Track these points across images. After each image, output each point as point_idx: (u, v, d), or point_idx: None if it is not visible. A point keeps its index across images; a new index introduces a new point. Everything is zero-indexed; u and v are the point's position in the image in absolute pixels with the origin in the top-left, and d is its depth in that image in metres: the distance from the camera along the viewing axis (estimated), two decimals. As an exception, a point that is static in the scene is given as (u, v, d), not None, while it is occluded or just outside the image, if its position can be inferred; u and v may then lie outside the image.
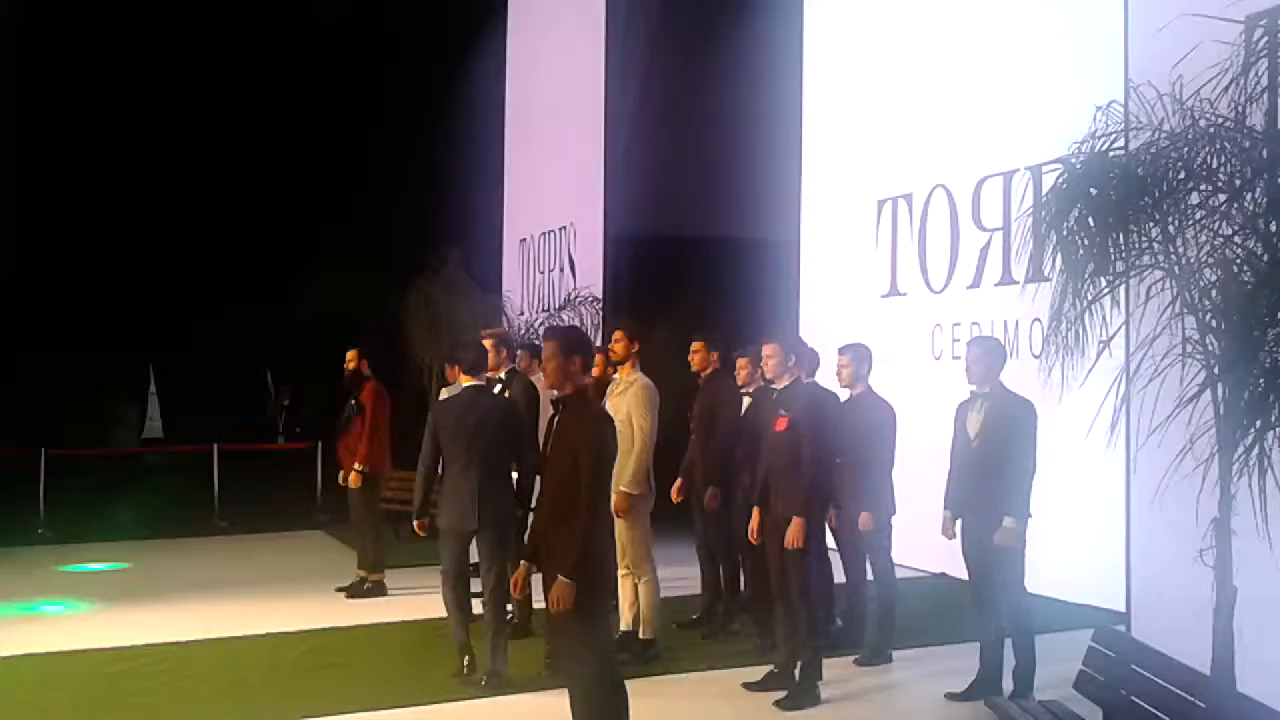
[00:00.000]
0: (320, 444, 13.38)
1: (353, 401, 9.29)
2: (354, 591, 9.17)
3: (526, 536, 5.80)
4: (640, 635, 6.98)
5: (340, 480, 9.33)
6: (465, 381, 6.86)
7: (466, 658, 6.64)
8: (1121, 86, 6.28)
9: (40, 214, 17.03)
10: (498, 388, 7.66)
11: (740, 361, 7.84)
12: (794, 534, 6.07)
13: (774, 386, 6.54)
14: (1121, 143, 5.41)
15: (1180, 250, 5.16)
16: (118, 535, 12.06)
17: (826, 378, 7.39)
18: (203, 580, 9.93)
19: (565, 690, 4.87)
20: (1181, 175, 5.08)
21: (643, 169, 13.23)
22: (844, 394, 7.23)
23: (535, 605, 6.77)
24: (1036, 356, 7.92)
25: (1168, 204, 5.13)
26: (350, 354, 9.43)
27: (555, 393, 5.01)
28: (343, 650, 7.51)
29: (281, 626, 8.04)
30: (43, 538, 12.01)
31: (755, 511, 6.45)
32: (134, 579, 9.99)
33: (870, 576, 7.26)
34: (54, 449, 12.91)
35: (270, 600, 9.03)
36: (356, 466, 9.09)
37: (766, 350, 6.47)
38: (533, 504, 7.45)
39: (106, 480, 14.56)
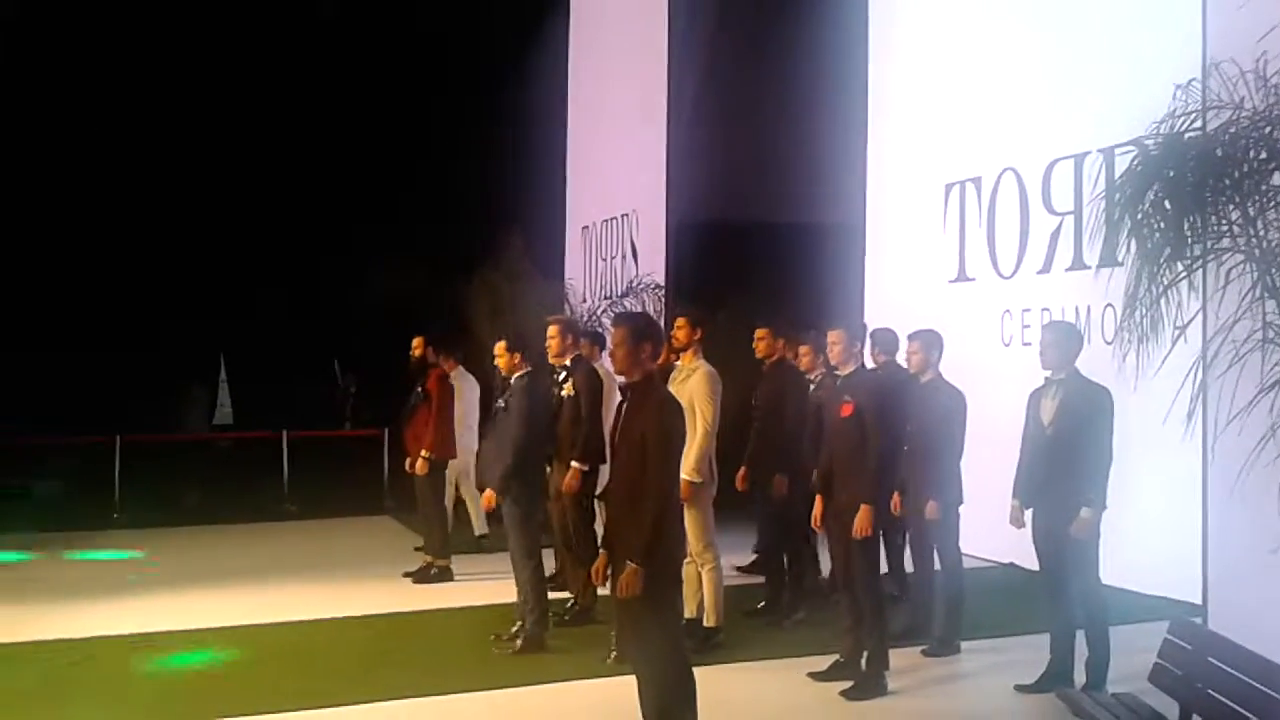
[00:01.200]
0: (387, 431, 13.53)
1: (419, 389, 9.36)
2: (421, 577, 9.25)
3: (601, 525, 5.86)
4: (704, 623, 6.96)
5: (407, 467, 9.41)
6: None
7: (518, 625, 6.95)
8: (1199, 64, 6.11)
9: (114, 206, 17.37)
10: (562, 375, 7.68)
11: (803, 349, 7.82)
12: (862, 522, 6.01)
13: (838, 373, 6.48)
14: (1199, 123, 5.28)
15: (1261, 233, 5.02)
16: (189, 520, 12.29)
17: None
18: (271, 564, 10.09)
19: (633, 676, 4.88)
20: (1263, 155, 4.94)
21: (706, 154, 13.15)
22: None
23: (601, 592, 6.81)
24: (1109, 343, 7.75)
25: (1248, 185, 4.99)
26: (416, 341, 9.51)
27: (623, 379, 5.01)
28: (409, 635, 7.59)
29: (349, 611, 8.14)
30: (118, 522, 12.27)
31: (818, 499, 6.40)
32: (205, 562, 10.17)
33: (938, 566, 7.17)
34: (129, 435, 13.18)
35: (338, 585, 9.14)
36: (423, 454, 9.16)
37: (831, 336, 6.41)
38: (598, 491, 7.58)
39: (179, 466, 14.83)
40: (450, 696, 6.23)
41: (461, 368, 9.69)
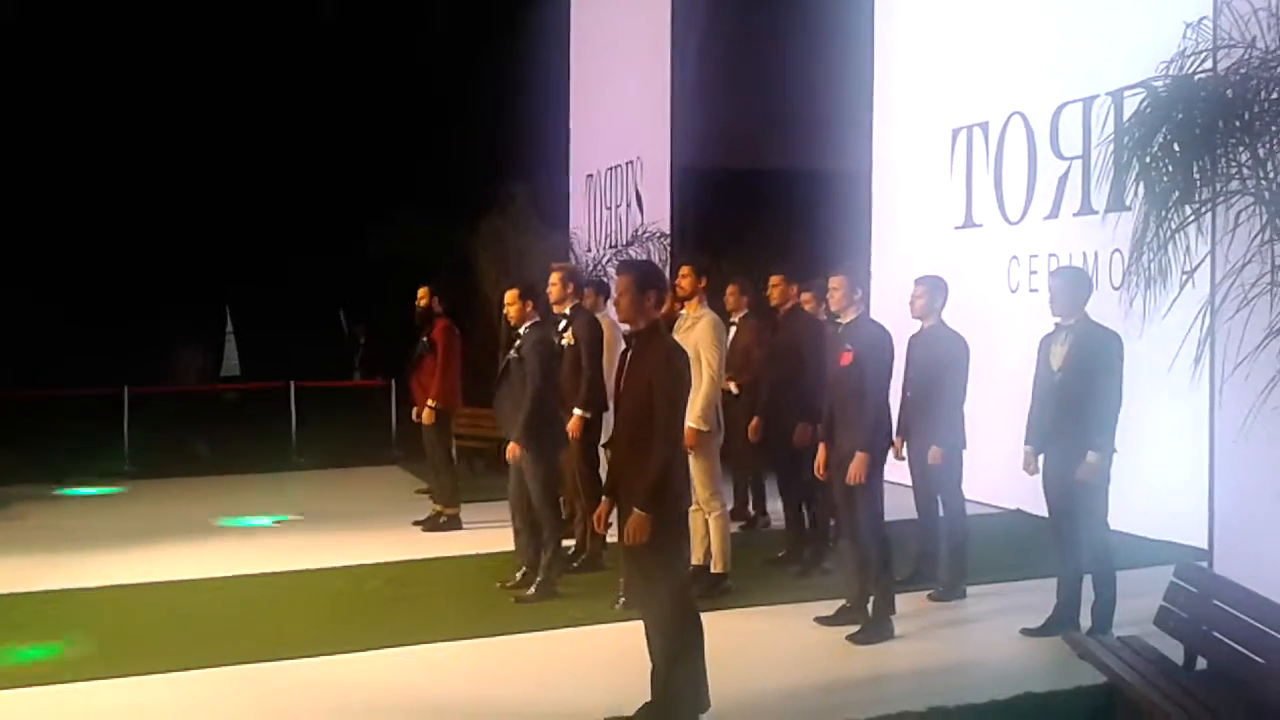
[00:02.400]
0: (394, 381, 13.57)
1: (425, 339, 9.36)
2: (430, 525, 9.31)
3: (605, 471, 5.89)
4: (712, 569, 7.00)
5: (414, 416, 9.43)
6: None
7: (522, 571, 7.12)
8: (1210, 3, 6.04)
9: (120, 161, 17.31)
10: (563, 324, 7.68)
11: (804, 296, 7.81)
12: (856, 469, 6.04)
13: (839, 320, 6.47)
14: (1209, 63, 5.21)
15: (1271, 175, 4.98)
16: (198, 471, 12.36)
17: (900, 309, 7.30)
18: (281, 514, 10.15)
19: (641, 622, 4.92)
20: (1275, 96, 4.89)
21: (710, 101, 13.05)
22: (916, 325, 7.13)
23: (609, 539, 6.86)
24: (1117, 288, 7.72)
25: (1259, 126, 4.94)
26: (421, 291, 9.49)
27: (628, 327, 5.00)
28: (419, 582, 7.64)
29: (359, 559, 8.20)
30: (127, 473, 12.33)
31: (822, 447, 6.42)
32: (215, 512, 10.23)
33: (941, 512, 7.19)
34: (136, 387, 13.22)
35: (348, 533, 9.20)
36: (429, 403, 9.18)
37: (832, 283, 6.41)
38: (603, 440, 7.60)
39: (187, 418, 14.89)
40: (460, 643, 6.28)
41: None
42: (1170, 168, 5.13)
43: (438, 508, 9.41)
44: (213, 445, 13.67)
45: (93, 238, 17.11)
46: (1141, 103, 5.30)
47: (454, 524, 9.30)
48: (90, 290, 16.97)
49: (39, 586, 7.51)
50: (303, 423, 13.56)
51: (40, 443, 12.84)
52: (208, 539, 9.08)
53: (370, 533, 9.20)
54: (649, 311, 4.91)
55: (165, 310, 17.53)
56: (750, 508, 9.23)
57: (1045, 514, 6.28)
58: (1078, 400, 5.88)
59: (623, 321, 5.12)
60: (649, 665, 4.86)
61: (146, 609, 7.07)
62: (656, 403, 4.74)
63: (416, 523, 9.38)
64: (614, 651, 5.96)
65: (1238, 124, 4.97)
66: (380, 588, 7.51)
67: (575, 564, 7.68)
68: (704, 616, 4.91)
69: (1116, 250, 7.96)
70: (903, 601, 6.40)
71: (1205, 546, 7.12)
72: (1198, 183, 5.12)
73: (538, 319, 7.24)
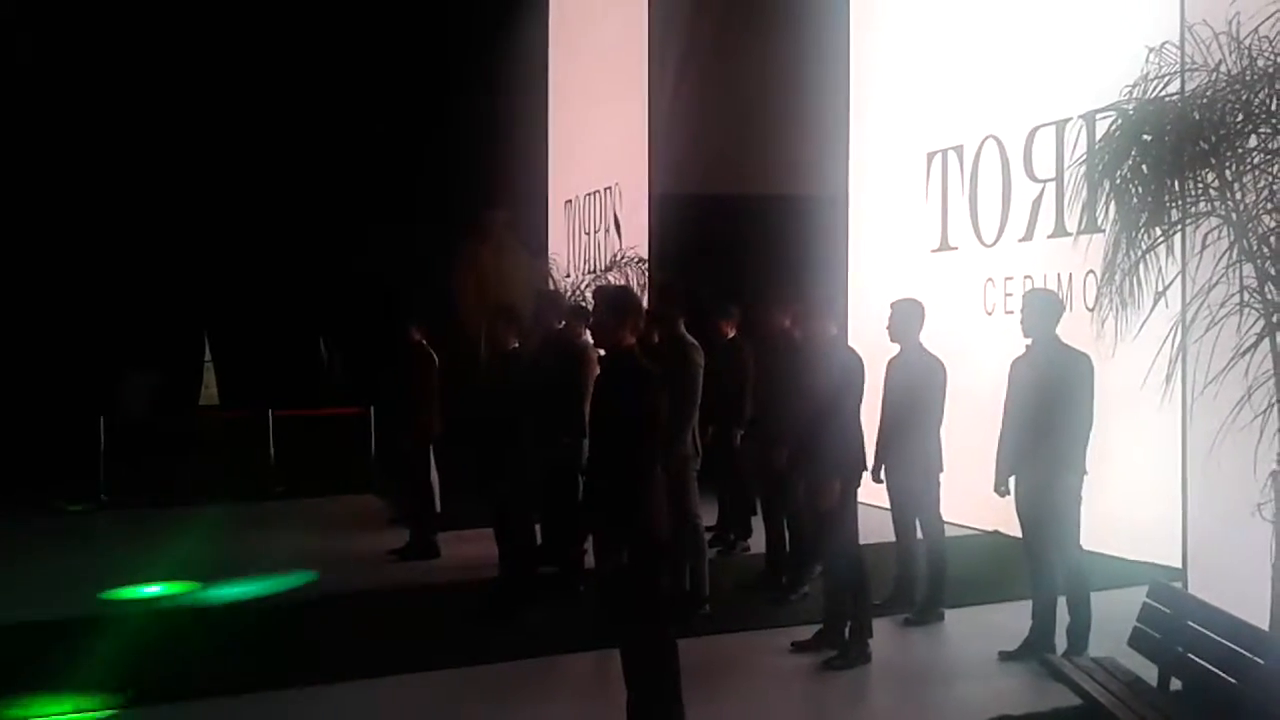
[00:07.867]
0: (373, 408, 13.49)
1: (404, 365, 9.33)
2: (406, 554, 9.24)
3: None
4: (689, 594, 6.96)
5: (400, 443, 9.40)
6: None
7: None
8: (1176, 27, 6.10)
9: (99, 190, 17.23)
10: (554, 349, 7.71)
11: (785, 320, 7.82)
12: (829, 494, 6.04)
13: (806, 345, 6.50)
14: (1176, 85, 5.27)
15: (1238, 196, 5.04)
16: (176, 500, 12.26)
17: (877, 332, 7.32)
18: (259, 543, 10.07)
19: (616, 650, 4.89)
20: (1239, 118, 4.94)
21: (687, 126, 13.09)
22: (893, 349, 7.15)
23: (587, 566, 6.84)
24: (1090, 309, 7.76)
25: (1225, 148, 4.99)
26: (401, 318, 9.48)
27: (604, 352, 5.00)
28: (396, 612, 7.58)
29: (335, 588, 8.14)
30: (103, 503, 12.23)
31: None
32: (191, 542, 10.13)
33: (920, 535, 7.18)
34: (112, 416, 13.12)
35: (324, 562, 9.12)
36: (409, 430, 9.13)
37: (798, 308, 6.43)
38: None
39: (164, 446, 14.77)
40: (437, 672, 6.22)
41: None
42: (1140, 189, 5.18)
43: (415, 536, 9.33)
44: (191, 474, 13.55)
45: (68, 267, 16.99)
46: (1111, 125, 5.35)
47: (431, 552, 9.23)
48: (65, 319, 16.84)
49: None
50: (280, 450, 13.49)
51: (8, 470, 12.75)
52: (178, 568, 8.98)
53: (346, 562, 9.11)
54: (625, 336, 4.90)
55: (143, 339, 17.42)
56: (730, 533, 9.20)
57: (1021, 535, 6.27)
58: (1049, 422, 5.89)
59: (598, 346, 5.12)
60: (624, 694, 4.82)
61: (113, 638, 6.96)
62: (632, 429, 4.72)
63: (393, 552, 9.31)
64: (590, 679, 5.92)
65: (1204, 146, 5.02)
66: (355, 618, 7.43)
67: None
68: (680, 641, 4.87)
69: (1090, 271, 7.99)
70: (880, 625, 6.38)
71: (1179, 566, 7.13)
72: (1167, 204, 5.16)
73: (518, 343, 7.28)
